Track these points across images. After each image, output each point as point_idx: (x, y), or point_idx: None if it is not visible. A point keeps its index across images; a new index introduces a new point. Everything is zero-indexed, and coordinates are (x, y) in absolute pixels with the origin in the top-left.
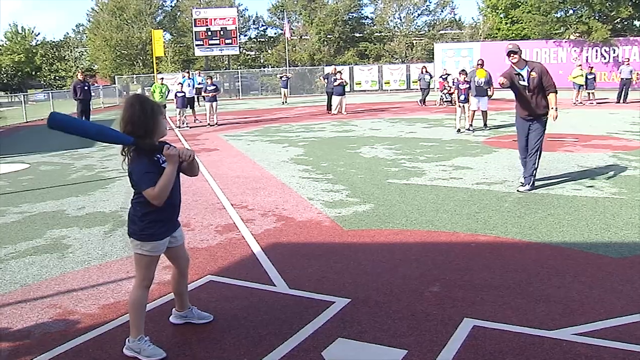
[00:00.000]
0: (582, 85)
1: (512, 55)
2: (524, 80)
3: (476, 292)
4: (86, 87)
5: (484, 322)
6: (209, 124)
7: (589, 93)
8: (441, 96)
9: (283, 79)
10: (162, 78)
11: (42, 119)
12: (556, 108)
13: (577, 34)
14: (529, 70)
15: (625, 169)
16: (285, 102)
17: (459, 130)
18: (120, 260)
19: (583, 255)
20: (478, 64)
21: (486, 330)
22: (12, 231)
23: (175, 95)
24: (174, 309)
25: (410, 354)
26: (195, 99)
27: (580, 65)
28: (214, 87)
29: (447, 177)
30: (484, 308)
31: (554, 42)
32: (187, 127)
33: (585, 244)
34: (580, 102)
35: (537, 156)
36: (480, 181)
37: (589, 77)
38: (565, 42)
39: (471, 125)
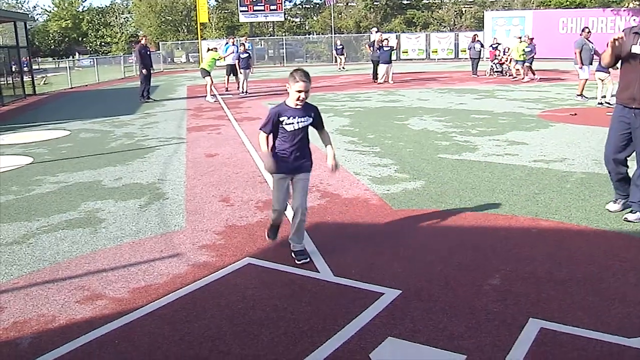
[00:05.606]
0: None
1: None
2: (638, 43)
3: (541, 286)
4: (149, 52)
5: (552, 323)
6: (240, 92)
7: (528, 67)
8: (492, 66)
9: (338, 46)
10: (216, 49)
11: (85, 85)
12: None
13: (637, 2)
14: None
15: None
16: (343, 68)
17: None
18: (155, 237)
19: None
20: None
21: (555, 334)
22: (46, 202)
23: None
24: None
25: (469, 359)
26: (237, 66)
27: (519, 37)
28: (247, 54)
29: (501, 153)
30: (551, 306)
31: (611, 10)
32: (230, 94)
33: None
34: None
35: None
36: (537, 158)
37: (526, 49)
38: (624, 10)
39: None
